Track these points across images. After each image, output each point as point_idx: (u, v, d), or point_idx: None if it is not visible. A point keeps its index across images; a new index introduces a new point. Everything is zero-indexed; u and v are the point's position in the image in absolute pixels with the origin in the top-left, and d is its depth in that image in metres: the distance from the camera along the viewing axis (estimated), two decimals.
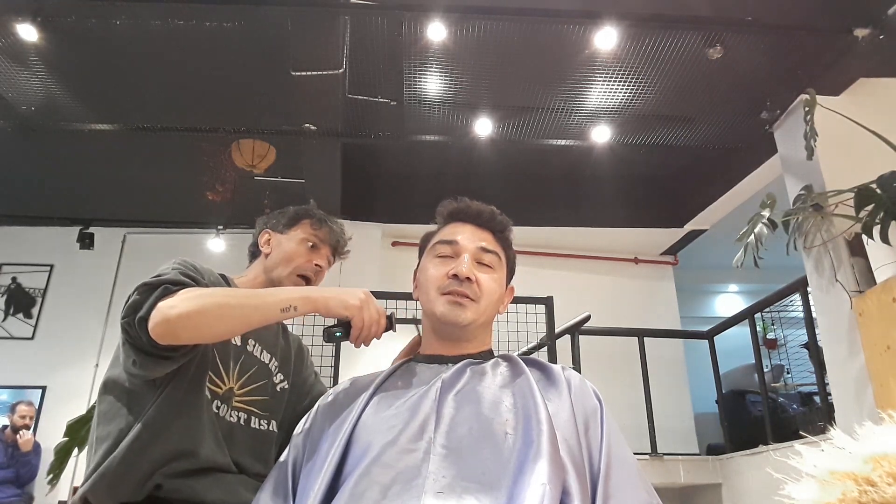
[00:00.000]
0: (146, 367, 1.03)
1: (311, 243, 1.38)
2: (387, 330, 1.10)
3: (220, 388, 1.18)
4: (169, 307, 0.99)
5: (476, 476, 0.81)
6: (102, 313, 5.23)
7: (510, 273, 1.16)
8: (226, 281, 1.30)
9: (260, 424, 1.23)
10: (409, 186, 5.14)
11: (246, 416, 1.21)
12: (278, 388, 1.30)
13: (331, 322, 1.10)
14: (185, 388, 1.10)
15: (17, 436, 4.39)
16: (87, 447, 1.14)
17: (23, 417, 4.50)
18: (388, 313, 1.10)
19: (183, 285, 1.05)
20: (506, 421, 0.89)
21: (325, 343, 1.12)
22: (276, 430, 1.26)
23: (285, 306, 1.04)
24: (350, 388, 1.07)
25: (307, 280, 1.37)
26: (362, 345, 1.09)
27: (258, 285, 1.35)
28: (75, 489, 1.08)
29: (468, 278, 1.04)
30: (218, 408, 1.16)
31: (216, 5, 3.00)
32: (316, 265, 1.37)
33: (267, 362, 1.29)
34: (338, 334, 1.08)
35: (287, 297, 1.05)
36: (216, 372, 1.18)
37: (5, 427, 4.54)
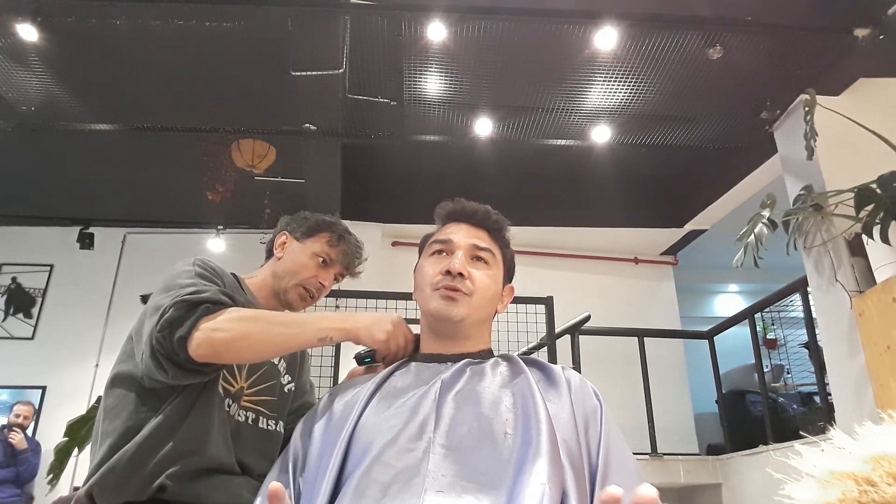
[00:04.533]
0: (178, 379, 1.04)
1: (322, 259, 1.38)
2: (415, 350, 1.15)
3: (233, 387, 1.19)
4: (213, 329, 1.02)
5: (476, 476, 0.82)
6: (102, 313, 5.23)
7: (508, 272, 1.17)
8: (237, 280, 1.32)
9: (268, 424, 1.24)
10: (409, 186, 5.14)
11: (254, 415, 1.22)
12: (286, 389, 1.31)
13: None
14: (201, 388, 1.11)
15: (11, 435, 4.39)
16: (91, 442, 1.15)
17: (17, 416, 4.50)
18: (417, 334, 1.15)
19: (223, 304, 1.07)
20: (505, 421, 0.90)
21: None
22: (282, 430, 1.27)
23: (323, 336, 1.08)
24: (349, 388, 1.07)
25: (310, 295, 1.38)
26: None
27: (267, 289, 1.37)
28: (76, 489, 1.08)
29: (461, 273, 1.05)
30: (229, 406, 1.17)
31: (216, 5, 3.00)
32: (320, 283, 1.38)
33: (276, 363, 1.30)
34: (367, 360, 1.16)
35: (326, 327, 1.08)
36: (230, 371, 1.19)
37: (4, 427, 4.54)
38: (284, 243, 1.40)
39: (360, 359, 1.15)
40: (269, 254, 1.43)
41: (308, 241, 1.39)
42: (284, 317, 1.15)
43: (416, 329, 1.18)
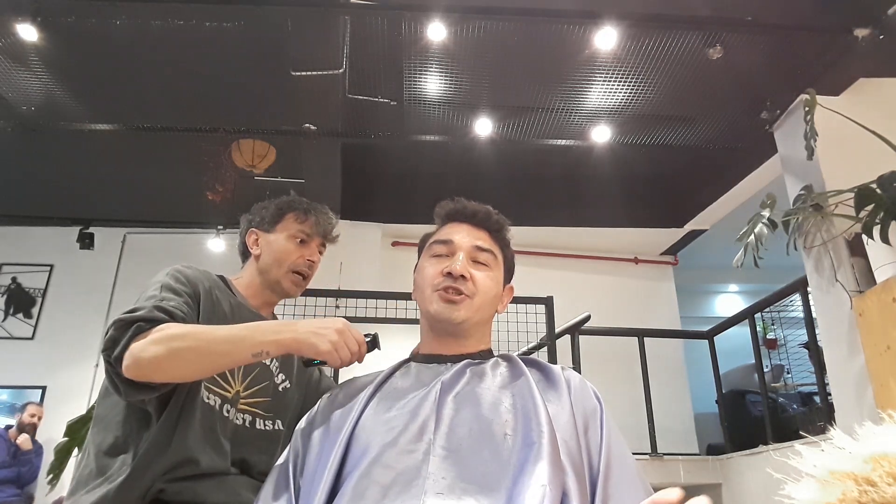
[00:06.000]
0: (130, 396, 1.05)
1: (299, 239, 1.37)
2: (370, 351, 1.11)
3: (229, 392, 1.19)
4: (140, 350, 1.00)
5: (475, 477, 0.82)
6: (102, 313, 5.23)
7: (508, 273, 1.17)
8: (224, 283, 1.31)
9: (265, 425, 1.24)
10: (409, 186, 5.14)
11: (251, 417, 1.22)
12: (280, 389, 1.31)
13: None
14: (184, 401, 1.11)
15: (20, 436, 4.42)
16: (85, 444, 1.15)
17: (32, 416, 4.52)
18: (370, 338, 1.11)
19: (156, 321, 1.05)
20: (505, 422, 0.89)
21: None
22: (282, 428, 1.27)
23: (257, 351, 1.04)
24: (350, 389, 1.07)
25: (302, 276, 1.37)
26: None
27: (255, 286, 1.36)
28: None
29: (462, 276, 1.05)
30: (227, 411, 1.17)
31: (216, 5, 3.00)
32: (308, 261, 1.37)
33: (268, 364, 1.29)
34: (315, 362, 1.10)
35: (259, 341, 1.04)
36: (223, 377, 1.19)
37: (9, 427, 4.56)
38: (256, 240, 1.39)
39: (307, 362, 1.11)
40: (245, 255, 1.42)
41: (277, 228, 1.38)
42: (218, 333, 1.08)
43: (415, 329, 1.17)
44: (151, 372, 1.01)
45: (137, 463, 1.04)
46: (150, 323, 1.04)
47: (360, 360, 1.09)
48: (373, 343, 1.11)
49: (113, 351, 1.02)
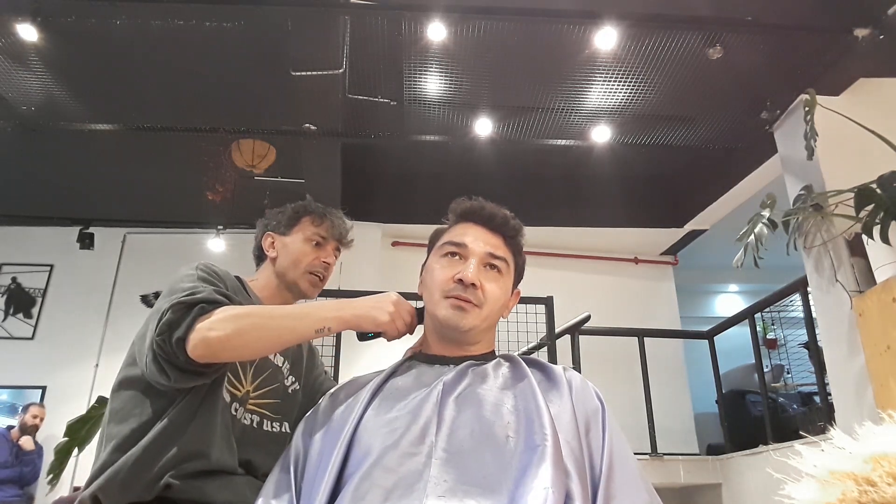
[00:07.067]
0: (180, 382, 1.05)
1: (315, 241, 1.40)
2: (419, 324, 1.14)
3: (239, 391, 1.19)
4: (208, 329, 1.01)
5: (477, 480, 0.81)
6: (102, 313, 5.23)
7: (518, 279, 1.14)
8: (240, 283, 1.32)
9: (272, 426, 1.24)
10: (409, 186, 5.14)
11: (259, 418, 1.22)
12: (290, 390, 1.31)
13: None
14: (206, 391, 1.11)
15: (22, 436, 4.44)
16: (97, 442, 1.15)
17: (34, 417, 4.53)
18: (417, 308, 1.14)
19: (218, 304, 1.07)
20: (507, 424, 0.89)
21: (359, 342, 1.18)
22: (288, 430, 1.27)
23: (320, 327, 1.07)
24: (351, 389, 1.07)
25: (319, 278, 1.39)
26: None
27: (272, 288, 1.38)
28: (76, 489, 1.09)
29: (473, 284, 1.03)
30: (236, 410, 1.18)
31: (216, 5, 3.00)
32: (325, 263, 1.40)
33: (280, 365, 1.30)
34: (370, 336, 1.13)
35: (321, 317, 1.07)
36: (235, 375, 1.19)
37: (11, 427, 4.56)
38: (273, 243, 1.41)
39: (362, 337, 1.13)
40: (260, 258, 1.43)
41: (294, 231, 1.41)
42: (280, 310, 1.14)
43: (416, 329, 1.17)
44: (220, 350, 1.02)
45: (148, 446, 1.04)
46: (211, 304, 1.06)
47: (410, 332, 1.12)
48: (420, 315, 1.13)
49: (174, 333, 1.02)
